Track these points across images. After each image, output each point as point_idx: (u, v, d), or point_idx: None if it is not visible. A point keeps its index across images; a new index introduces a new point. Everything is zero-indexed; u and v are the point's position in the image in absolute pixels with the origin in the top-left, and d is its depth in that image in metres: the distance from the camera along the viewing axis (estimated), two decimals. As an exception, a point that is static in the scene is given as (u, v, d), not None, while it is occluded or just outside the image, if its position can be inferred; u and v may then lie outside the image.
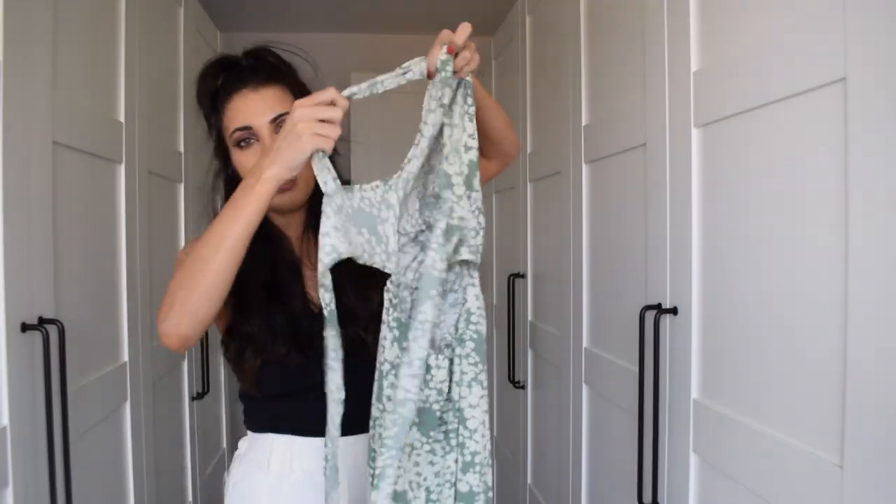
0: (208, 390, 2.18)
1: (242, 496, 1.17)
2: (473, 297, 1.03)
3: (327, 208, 0.93)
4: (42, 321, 1.16)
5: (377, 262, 0.99)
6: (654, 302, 1.24)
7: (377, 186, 0.99)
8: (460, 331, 1.04)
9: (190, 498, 2.15)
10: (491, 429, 2.73)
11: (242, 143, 1.08)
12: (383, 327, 1.01)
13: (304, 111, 0.88)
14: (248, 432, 1.21)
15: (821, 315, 0.83)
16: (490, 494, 1.05)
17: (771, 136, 0.93)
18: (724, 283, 1.05)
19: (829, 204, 0.81)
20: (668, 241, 1.20)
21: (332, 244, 0.92)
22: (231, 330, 1.13)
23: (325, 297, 0.92)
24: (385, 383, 1.01)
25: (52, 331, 1.16)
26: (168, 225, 1.96)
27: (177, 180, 2.02)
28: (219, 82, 1.12)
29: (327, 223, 0.92)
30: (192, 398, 2.12)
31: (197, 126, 2.04)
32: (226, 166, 1.16)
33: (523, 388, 2.20)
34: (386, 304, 1.02)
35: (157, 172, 1.81)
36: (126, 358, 1.59)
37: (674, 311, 1.18)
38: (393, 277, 1.02)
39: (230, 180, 1.16)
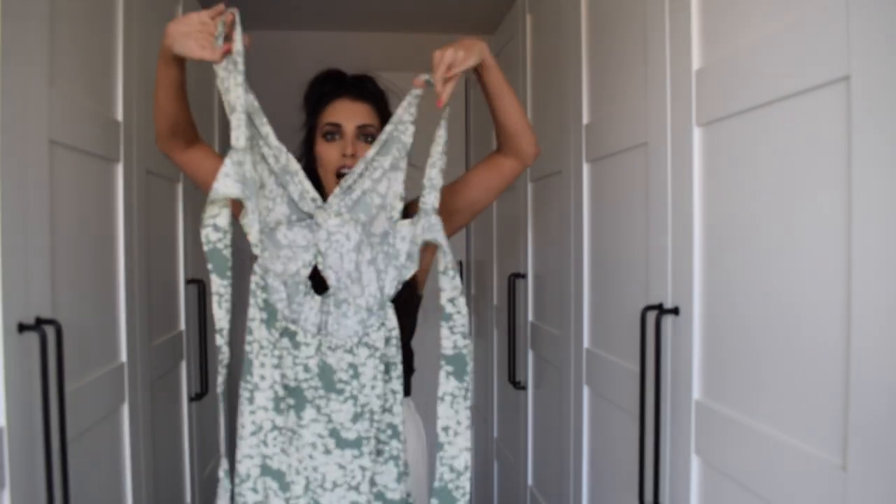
0: (207, 391, 2.17)
1: None
2: (395, 322, 1.24)
3: (227, 159, 1.14)
4: (39, 322, 1.15)
5: (260, 212, 1.23)
6: (655, 302, 1.23)
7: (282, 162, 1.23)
8: (385, 354, 1.24)
9: (188, 500, 2.14)
10: (491, 429, 2.72)
11: (328, 136, 1.36)
12: (251, 309, 1.22)
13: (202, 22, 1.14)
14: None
15: (824, 315, 0.83)
16: (435, 501, 1.22)
17: (773, 135, 0.92)
18: (726, 283, 1.05)
19: (832, 203, 0.81)
20: (669, 240, 1.20)
21: (224, 187, 1.12)
22: None
23: (212, 237, 1.18)
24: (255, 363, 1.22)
25: (50, 331, 1.15)
26: (166, 224, 1.95)
27: (175, 180, 2.01)
28: (326, 88, 1.40)
29: (222, 170, 1.14)
30: (191, 399, 2.11)
31: (195, 125, 2.03)
32: (307, 155, 1.42)
33: (524, 388, 2.19)
34: (252, 286, 1.24)
35: (155, 172, 1.80)
36: (124, 358, 1.58)
37: (675, 311, 1.17)
38: (259, 261, 1.24)
39: (307, 167, 1.39)
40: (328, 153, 1.36)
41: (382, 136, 1.25)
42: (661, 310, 1.20)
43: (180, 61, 1.19)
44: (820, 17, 0.81)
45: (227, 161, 1.13)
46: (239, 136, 1.14)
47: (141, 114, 1.69)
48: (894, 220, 0.71)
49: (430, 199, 1.25)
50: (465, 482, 1.22)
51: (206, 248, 1.16)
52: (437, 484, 1.22)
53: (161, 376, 1.86)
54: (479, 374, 3.06)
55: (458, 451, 1.21)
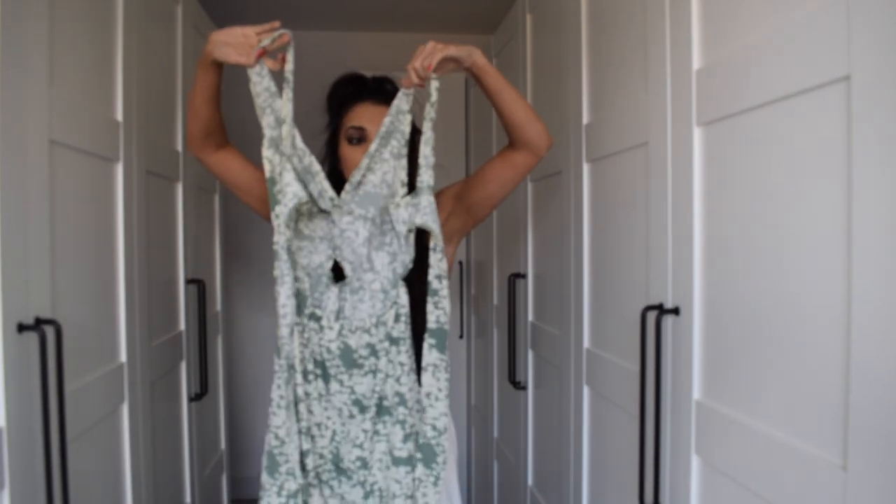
0: (207, 391, 2.18)
1: None
2: (405, 299, 1.36)
3: (287, 164, 1.29)
4: (39, 322, 1.15)
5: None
6: (655, 302, 1.23)
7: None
8: (392, 329, 1.36)
9: (188, 500, 2.14)
10: (491, 429, 2.72)
11: (353, 140, 1.41)
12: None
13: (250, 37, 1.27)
14: None
15: (824, 314, 0.83)
16: (419, 455, 1.37)
17: (774, 135, 0.92)
18: (726, 283, 1.05)
19: (832, 203, 0.81)
20: (669, 240, 1.19)
21: (294, 191, 1.29)
22: None
23: (286, 235, 1.30)
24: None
25: (49, 331, 1.15)
26: (166, 224, 1.95)
27: (175, 179, 2.01)
28: (349, 90, 1.45)
29: (289, 176, 1.30)
30: (191, 399, 2.11)
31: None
32: (331, 155, 1.48)
33: (524, 388, 2.19)
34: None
35: (155, 172, 1.80)
36: (123, 358, 1.58)
37: (675, 311, 1.17)
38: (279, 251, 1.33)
39: (332, 168, 1.48)
40: (353, 156, 1.41)
41: (382, 129, 1.33)
42: (661, 310, 1.19)
43: (218, 67, 1.31)
44: (820, 17, 0.81)
45: (288, 166, 1.30)
46: (290, 143, 1.30)
47: (141, 114, 1.69)
48: (894, 220, 0.71)
49: (426, 177, 1.34)
50: (444, 441, 1.38)
51: (277, 246, 1.31)
52: (421, 440, 1.38)
53: (161, 376, 1.86)
54: (479, 374, 3.06)
55: (438, 413, 1.37)
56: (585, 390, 1.65)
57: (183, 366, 2.08)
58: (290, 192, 1.29)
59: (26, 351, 1.12)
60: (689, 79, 1.11)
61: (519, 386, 2.22)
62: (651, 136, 1.26)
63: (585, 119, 1.62)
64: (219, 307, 2.57)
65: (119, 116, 1.57)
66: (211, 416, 2.45)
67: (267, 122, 1.32)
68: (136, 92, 1.65)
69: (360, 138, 1.41)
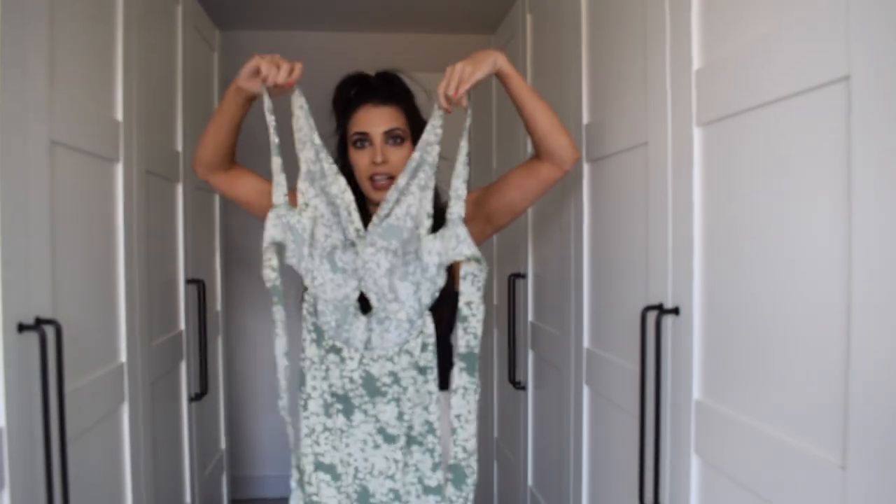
0: (207, 391, 2.18)
1: None
2: (432, 328, 1.36)
3: (271, 213, 1.36)
4: (39, 322, 1.15)
5: (296, 262, 1.38)
6: (655, 302, 1.23)
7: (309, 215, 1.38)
8: (419, 359, 1.37)
9: (188, 500, 2.14)
10: (491, 429, 2.72)
11: (358, 144, 1.42)
12: (303, 331, 1.40)
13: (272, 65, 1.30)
14: None
15: (824, 315, 0.83)
16: (450, 475, 1.38)
17: (774, 135, 0.92)
18: (726, 283, 1.05)
19: (832, 203, 0.81)
20: (669, 240, 1.20)
21: (271, 235, 1.34)
22: None
23: (270, 276, 1.35)
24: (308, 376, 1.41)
25: (50, 331, 1.15)
26: (166, 224, 1.95)
27: (175, 180, 2.01)
28: (352, 93, 1.44)
29: (268, 222, 1.35)
30: (191, 399, 2.11)
31: (195, 125, 2.04)
32: (341, 158, 1.46)
33: (524, 388, 2.19)
34: (304, 312, 1.40)
35: (156, 172, 1.80)
36: (124, 358, 1.58)
37: (675, 311, 1.17)
38: (310, 290, 1.38)
39: (344, 170, 1.43)
40: (359, 161, 1.41)
41: (412, 164, 1.33)
42: (661, 310, 1.20)
43: (248, 102, 1.37)
44: (820, 17, 0.81)
45: (271, 215, 1.35)
46: (279, 195, 1.37)
47: (141, 114, 1.69)
48: (894, 220, 0.71)
49: (457, 209, 1.34)
50: (474, 462, 1.39)
51: (267, 284, 1.36)
52: (451, 461, 1.39)
53: (161, 376, 1.86)
54: (479, 374, 3.06)
55: (469, 435, 1.38)
56: (585, 390, 1.65)
57: (183, 366, 2.08)
58: (265, 235, 1.34)
59: (27, 351, 1.12)
60: (689, 79, 1.12)
61: (519, 386, 2.22)
62: (651, 136, 1.26)
63: (585, 119, 1.62)
64: (219, 307, 2.57)
65: (119, 116, 1.57)
66: (211, 416, 2.45)
67: (306, 156, 1.36)
68: (136, 92, 1.65)
69: (364, 141, 1.41)
